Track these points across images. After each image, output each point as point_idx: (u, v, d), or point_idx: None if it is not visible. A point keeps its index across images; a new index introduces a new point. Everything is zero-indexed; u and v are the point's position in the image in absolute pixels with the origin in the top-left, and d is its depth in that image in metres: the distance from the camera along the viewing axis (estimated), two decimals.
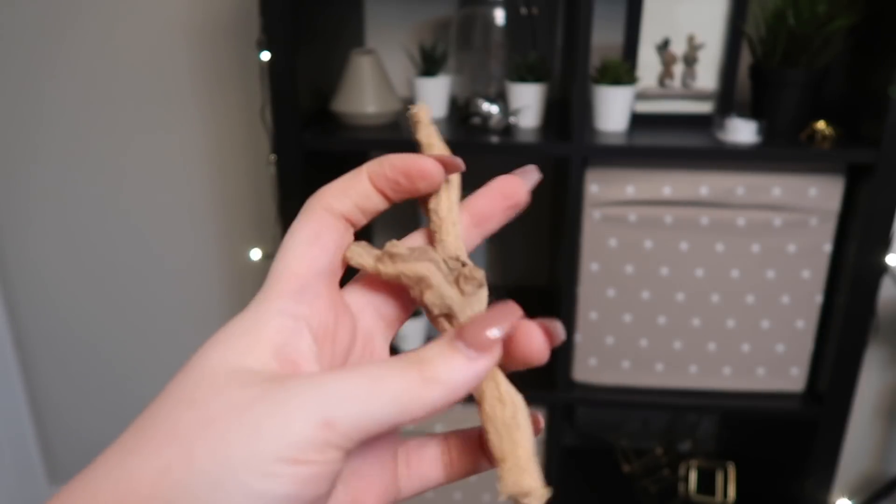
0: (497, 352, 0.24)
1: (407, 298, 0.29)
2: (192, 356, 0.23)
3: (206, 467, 0.19)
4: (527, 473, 0.22)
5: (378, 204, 0.27)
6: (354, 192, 0.27)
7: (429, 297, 0.25)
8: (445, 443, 0.29)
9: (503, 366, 0.26)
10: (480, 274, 0.26)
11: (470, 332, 0.23)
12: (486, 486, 1.16)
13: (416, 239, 0.29)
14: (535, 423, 0.26)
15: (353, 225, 0.27)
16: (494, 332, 0.23)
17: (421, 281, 0.25)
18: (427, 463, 0.29)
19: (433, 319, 0.26)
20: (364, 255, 0.26)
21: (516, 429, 0.23)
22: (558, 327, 0.26)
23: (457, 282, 0.26)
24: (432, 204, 0.27)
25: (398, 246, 0.26)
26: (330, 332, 0.25)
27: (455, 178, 0.29)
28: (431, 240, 0.28)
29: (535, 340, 0.25)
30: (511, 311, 0.24)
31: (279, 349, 0.23)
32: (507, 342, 0.25)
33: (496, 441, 0.23)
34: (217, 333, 0.23)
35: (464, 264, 0.26)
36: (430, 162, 0.27)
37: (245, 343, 0.23)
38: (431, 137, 0.29)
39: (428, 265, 0.25)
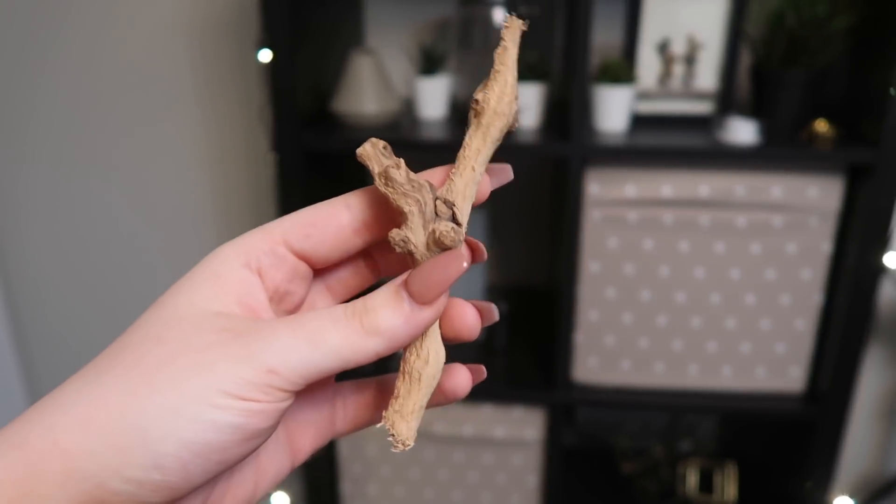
0: (441, 304, 0.25)
1: (360, 280, 0.30)
2: (161, 296, 0.25)
3: (165, 395, 0.22)
4: (404, 421, 0.25)
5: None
6: (385, 203, 0.27)
7: (395, 234, 0.25)
8: (380, 386, 0.31)
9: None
10: (450, 238, 0.24)
11: (416, 282, 0.24)
12: (486, 484, 1.16)
13: (437, 173, 0.27)
14: (477, 372, 0.29)
15: (368, 231, 0.27)
16: (439, 285, 0.24)
17: (400, 214, 0.25)
18: (363, 407, 0.31)
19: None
20: (374, 159, 0.26)
21: (416, 381, 0.25)
22: (493, 309, 0.27)
23: (429, 237, 0.25)
24: (466, 138, 0.26)
25: (399, 172, 0.25)
26: (279, 294, 0.27)
27: (495, 123, 0.26)
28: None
29: (468, 317, 0.26)
30: (456, 259, 0.24)
31: (241, 298, 0.25)
32: (442, 317, 0.26)
33: (399, 381, 0.26)
34: (185, 277, 0.26)
35: (454, 214, 0.25)
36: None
37: (211, 290, 0.25)
38: (508, 61, 0.26)
39: (412, 204, 0.25)
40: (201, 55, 1.24)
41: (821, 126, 0.91)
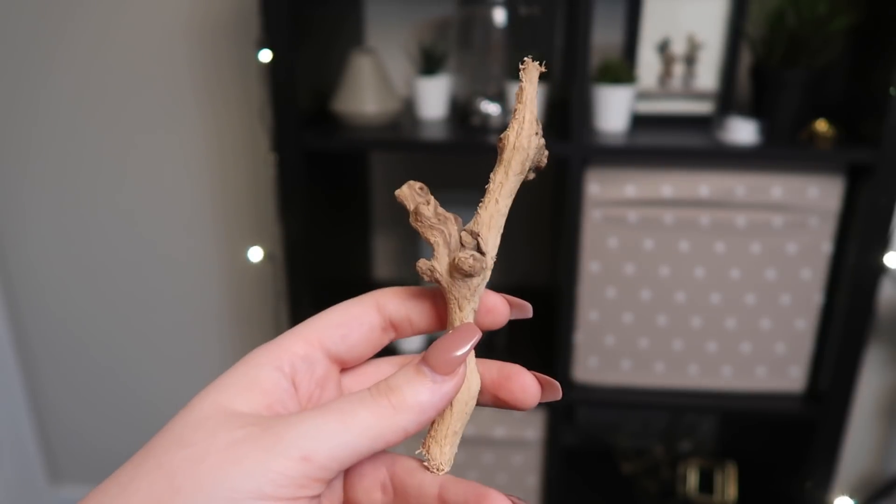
0: (462, 372, 0.25)
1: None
2: (190, 400, 0.25)
3: (192, 502, 0.21)
4: (437, 446, 0.27)
5: (431, 325, 0.28)
6: (413, 305, 0.28)
7: (422, 264, 0.27)
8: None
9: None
10: (468, 264, 0.26)
11: (434, 356, 0.25)
12: (486, 484, 1.16)
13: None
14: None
15: (395, 330, 0.28)
16: (457, 355, 0.25)
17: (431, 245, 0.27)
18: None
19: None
20: (409, 198, 0.27)
21: (448, 409, 0.27)
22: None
23: (450, 265, 0.27)
24: (492, 173, 0.27)
25: (427, 207, 0.27)
26: (313, 401, 0.27)
27: (515, 157, 0.27)
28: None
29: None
30: (470, 331, 0.26)
31: (271, 404, 0.25)
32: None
33: None
34: (216, 380, 0.25)
35: (478, 244, 0.27)
36: (499, 300, 0.28)
37: (241, 392, 0.24)
38: (526, 99, 0.27)
39: (437, 235, 0.27)
40: (201, 55, 1.24)
41: (821, 126, 0.91)
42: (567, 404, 1.09)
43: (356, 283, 1.27)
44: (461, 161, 1.25)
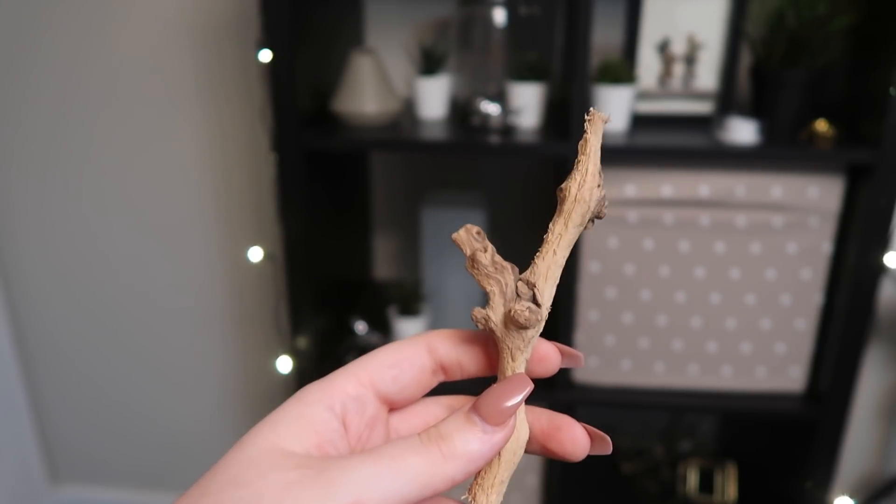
0: (512, 424, 0.26)
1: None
2: (243, 437, 0.25)
3: None
4: (484, 494, 0.27)
5: (482, 369, 0.28)
6: (465, 349, 0.28)
7: (477, 313, 0.27)
8: None
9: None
10: (524, 316, 0.26)
11: (485, 406, 0.25)
12: None
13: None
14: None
15: (444, 373, 0.28)
16: (508, 406, 0.25)
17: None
18: None
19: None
20: (466, 243, 0.27)
21: (497, 458, 0.27)
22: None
23: (506, 316, 0.26)
24: (550, 224, 0.27)
25: (484, 255, 0.27)
26: (362, 441, 0.27)
27: (576, 209, 0.27)
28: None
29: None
30: (522, 383, 0.26)
31: (321, 443, 0.25)
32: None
33: None
34: (268, 416, 0.26)
35: (534, 295, 0.26)
36: (551, 350, 0.28)
37: (293, 431, 0.25)
38: (589, 150, 0.27)
39: (494, 284, 0.26)
40: (202, 55, 1.24)
41: (821, 126, 0.91)
42: (567, 404, 1.09)
43: (356, 283, 1.27)
44: (461, 161, 1.25)
